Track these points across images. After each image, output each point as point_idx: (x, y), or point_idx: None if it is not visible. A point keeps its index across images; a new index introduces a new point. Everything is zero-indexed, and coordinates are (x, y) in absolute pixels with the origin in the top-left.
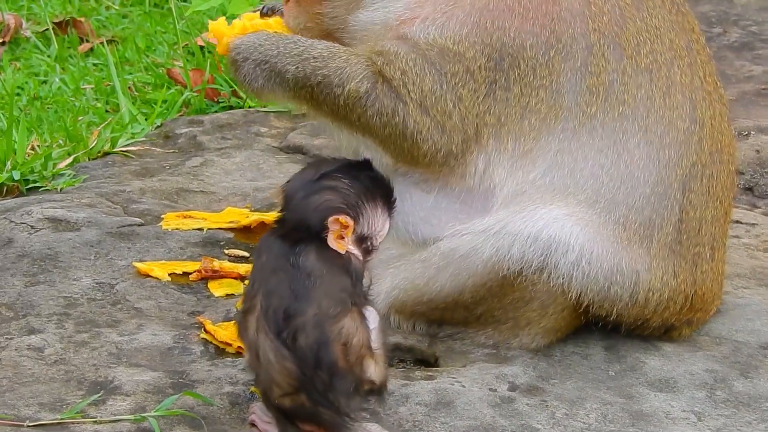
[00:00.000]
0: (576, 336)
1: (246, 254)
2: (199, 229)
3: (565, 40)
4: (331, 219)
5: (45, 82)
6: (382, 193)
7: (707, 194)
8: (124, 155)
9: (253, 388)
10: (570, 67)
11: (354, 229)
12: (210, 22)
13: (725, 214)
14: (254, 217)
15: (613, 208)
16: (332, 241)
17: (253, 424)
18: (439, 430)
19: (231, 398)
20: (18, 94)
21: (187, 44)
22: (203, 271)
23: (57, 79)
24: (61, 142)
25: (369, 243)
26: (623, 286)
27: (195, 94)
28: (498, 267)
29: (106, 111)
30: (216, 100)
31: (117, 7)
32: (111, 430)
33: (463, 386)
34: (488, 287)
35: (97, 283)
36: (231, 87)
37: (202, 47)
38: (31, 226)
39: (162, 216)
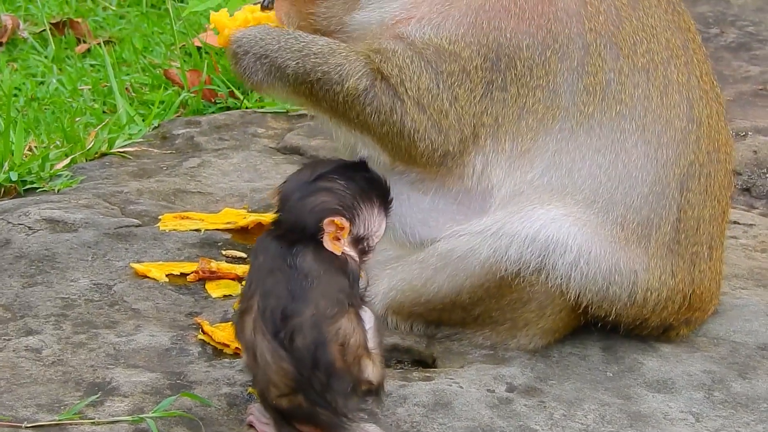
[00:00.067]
0: (574, 337)
1: (243, 255)
2: (196, 230)
3: (562, 40)
4: (326, 221)
5: (42, 83)
6: (378, 193)
7: (705, 193)
8: (122, 156)
9: (250, 389)
10: (567, 67)
11: (350, 230)
12: (212, 12)
13: (723, 213)
14: (251, 218)
15: (611, 207)
16: (328, 243)
17: (251, 425)
18: (436, 430)
19: (229, 399)
20: (15, 95)
21: (184, 45)
22: (201, 272)
23: (54, 80)
24: (58, 143)
25: (365, 244)
26: (622, 286)
27: (192, 94)
28: (495, 268)
29: (104, 112)
30: (213, 100)
31: (114, 8)
32: (109, 431)
33: (461, 387)
34: (486, 288)
35: (94, 284)
36: (228, 88)
37: (199, 48)
38: (29, 227)
39: (159, 217)
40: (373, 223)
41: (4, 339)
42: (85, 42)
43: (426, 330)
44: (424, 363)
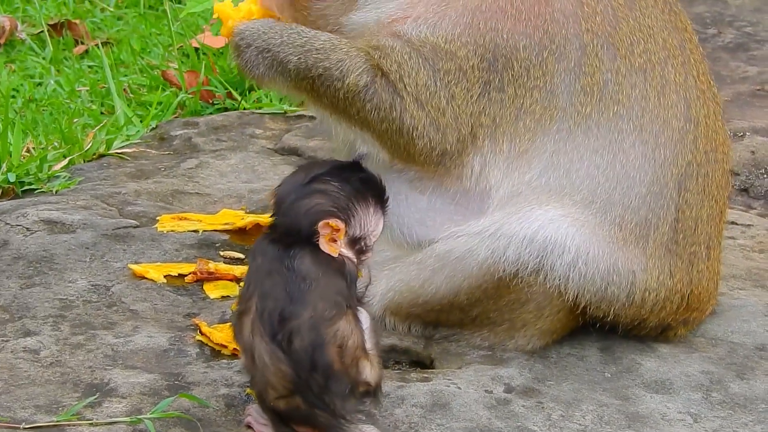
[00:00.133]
0: (572, 338)
1: (241, 256)
2: (194, 231)
3: (559, 40)
4: (321, 223)
5: (40, 84)
6: (373, 193)
7: (703, 193)
8: (120, 157)
9: (248, 390)
10: (564, 67)
11: (346, 231)
12: (216, 2)
13: (721, 213)
14: (249, 219)
15: (609, 208)
16: (324, 245)
17: (249, 427)
18: (434, 431)
19: (227, 400)
20: (13, 97)
21: (181, 46)
22: (199, 273)
23: (52, 81)
24: (56, 144)
25: (363, 243)
26: (620, 287)
27: (190, 95)
28: (494, 269)
29: (101, 113)
30: (211, 101)
31: (112, 9)
32: None
33: (459, 388)
34: (484, 289)
35: (92, 285)
36: (226, 89)
37: (196, 49)
38: (27, 228)
39: (157, 218)
40: (370, 222)
41: (2, 340)
42: (82, 43)
43: (424, 331)
44: (422, 364)
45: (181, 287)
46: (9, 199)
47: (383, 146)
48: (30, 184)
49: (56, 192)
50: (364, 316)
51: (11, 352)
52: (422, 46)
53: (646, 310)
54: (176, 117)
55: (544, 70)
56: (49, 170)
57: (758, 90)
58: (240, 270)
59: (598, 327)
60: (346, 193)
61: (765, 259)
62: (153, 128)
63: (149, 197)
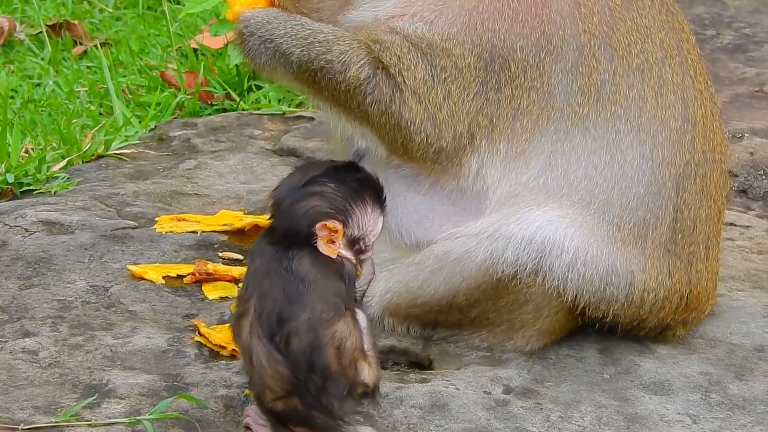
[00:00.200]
0: (570, 338)
1: (240, 257)
2: (193, 231)
3: (556, 41)
4: (318, 225)
5: (39, 84)
6: (370, 192)
7: (701, 193)
8: (118, 158)
9: (247, 391)
10: (561, 68)
11: (344, 232)
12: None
13: (719, 213)
14: (248, 220)
15: (607, 208)
16: (323, 247)
17: (247, 427)
18: None
19: (225, 401)
20: (12, 97)
21: (180, 47)
22: (197, 274)
23: (51, 82)
24: (54, 145)
25: (362, 243)
26: (619, 287)
27: (189, 96)
28: (492, 270)
29: (100, 114)
30: (210, 102)
31: (110, 10)
32: None
33: (458, 389)
34: (482, 290)
35: (91, 286)
36: (224, 90)
37: (195, 50)
38: (25, 229)
39: (156, 219)
40: (368, 222)
41: (1, 341)
42: (81, 44)
43: (422, 332)
44: (421, 365)
45: (179, 288)
46: (7, 200)
47: (382, 141)
48: (28, 184)
49: (55, 193)
50: (360, 317)
51: (10, 352)
52: (420, 42)
53: (645, 311)
54: (175, 118)
55: (542, 71)
56: (47, 171)
57: (757, 91)
58: (239, 271)
59: (596, 328)
60: (342, 194)
61: (764, 261)
62: (152, 129)
63: (148, 198)
